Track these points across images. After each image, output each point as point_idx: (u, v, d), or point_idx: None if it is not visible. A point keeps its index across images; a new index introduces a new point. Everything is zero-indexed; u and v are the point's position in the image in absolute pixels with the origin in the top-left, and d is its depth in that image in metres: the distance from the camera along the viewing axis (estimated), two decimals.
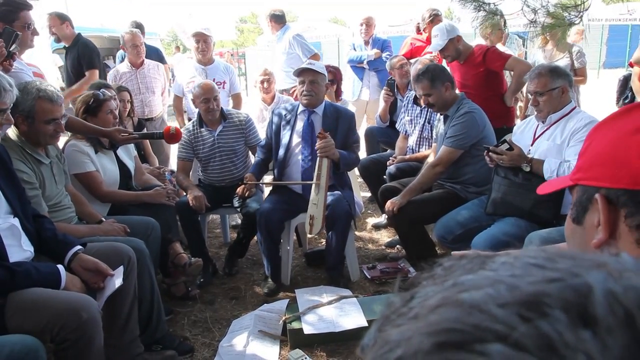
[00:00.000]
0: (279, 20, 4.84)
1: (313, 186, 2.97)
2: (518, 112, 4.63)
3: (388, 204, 3.00)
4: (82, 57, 4.29)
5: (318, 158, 2.97)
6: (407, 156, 3.74)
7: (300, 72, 3.14)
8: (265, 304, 2.89)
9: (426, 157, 3.45)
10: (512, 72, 3.86)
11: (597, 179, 0.67)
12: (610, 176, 0.65)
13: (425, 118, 3.70)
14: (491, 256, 0.30)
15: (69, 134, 2.98)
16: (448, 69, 4.14)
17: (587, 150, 0.72)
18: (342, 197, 3.07)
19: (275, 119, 3.29)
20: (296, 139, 3.19)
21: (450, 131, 2.96)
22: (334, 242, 3.10)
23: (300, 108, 3.21)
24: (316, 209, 2.93)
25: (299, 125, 3.20)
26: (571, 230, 0.74)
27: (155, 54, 5.22)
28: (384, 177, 3.62)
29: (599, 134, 0.71)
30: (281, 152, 3.21)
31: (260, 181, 3.40)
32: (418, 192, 3.01)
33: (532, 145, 2.71)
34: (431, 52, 4.79)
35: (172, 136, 2.98)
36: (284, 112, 3.28)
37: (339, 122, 3.15)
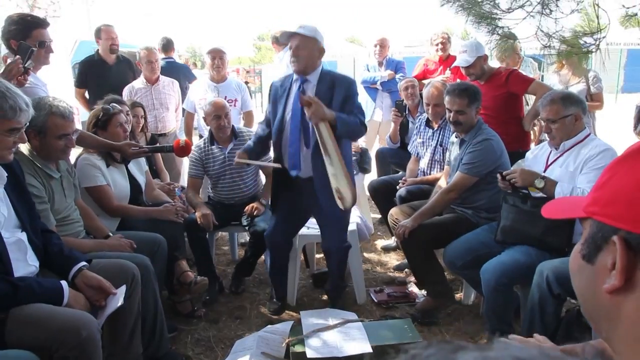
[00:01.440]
0: (278, 41, 4.92)
1: (324, 159, 2.68)
2: (532, 136, 4.60)
3: (398, 227, 2.97)
4: None
5: (315, 127, 2.70)
6: (418, 178, 3.70)
7: (287, 38, 2.88)
8: (270, 325, 2.85)
9: (437, 179, 3.42)
10: (527, 95, 3.84)
11: (617, 218, 0.61)
12: (633, 219, 0.59)
13: (437, 140, 3.67)
14: (458, 349, 0.28)
15: (80, 148, 3.02)
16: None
17: (608, 184, 0.65)
18: (339, 227, 2.97)
19: (273, 91, 3.02)
20: (289, 109, 2.90)
21: (467, 157, 2.92)
22: (332, 270, 3.11)
23: (295, 76, 2.92)
24: (336, 180, 2.67)
25: (293, 95, 2.91)
26: (579, 266, 0.69)
27: (183, 72, 5.30)
28: (394, 199, 3.60)
29: (623, 168, 0.64)
30: (275, 125, 2.92)
31: (252, 161, 3.03)
32: (429, 216, 2.97)
33: (544, 171, 2.67)
34: (445, 74, 4.81)
35: (182, 149, 2.99)
36: (279, 83, 3.00)
37: (335, 91, 2.82)
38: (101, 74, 4.48)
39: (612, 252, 0.61)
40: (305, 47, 2.78)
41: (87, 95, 4.62)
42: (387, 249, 4.07)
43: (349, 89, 2.84)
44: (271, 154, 3.14)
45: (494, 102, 3.58)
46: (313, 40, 2.81)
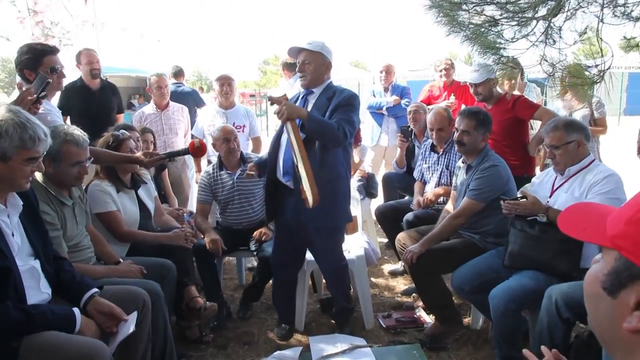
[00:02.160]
0: (290, 68, 5.03)
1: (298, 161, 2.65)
2: (538, 161, 4.63)
3: (406, 252, 2.98)
4: None
5: (285, 126, 2.74)
6: (430, 194, 3.67)
7: (295, 54, 2.91)
8: (278, 351, 2.84)
9: (445, 194, 3.45)
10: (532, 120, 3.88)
11: None
12: None
13: (444, 164, 3.71)
14: None
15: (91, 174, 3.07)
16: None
17: None
18: (331, 245, 2.98)
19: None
20: None
21: (474, 183, 2.94)
22: (334, 292, 3.16)
23: (303, 90, 3.00)
24: (301, 179, 2.61)
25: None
26: (597, 294, 0.68)
27: (193, 97, 5.39)
28: (401, 223, 3.61)
29: None
30: (275, 133, 2.98)
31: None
32: (437, 241, 2.98)
33: (550, 197, 2.69)
34: (450, 100, 4.87)
35: (198, 150, 3.02)
36: (294, 98, 3.08)
37: (332, 100, 2.82)
38: (83, 100, 4.27)
39: (636, 293, 0.61)
40: (311, 62, 2.84)
41: (68, 121, 4.21)
42: (394, 274, 4.06)
43: (346, 100, 2.80)
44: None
45: (500, 127, 3.62)
46: (320, 56, 2.85)
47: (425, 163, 3.85)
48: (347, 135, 2.74)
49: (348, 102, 2.80)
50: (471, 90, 3.82)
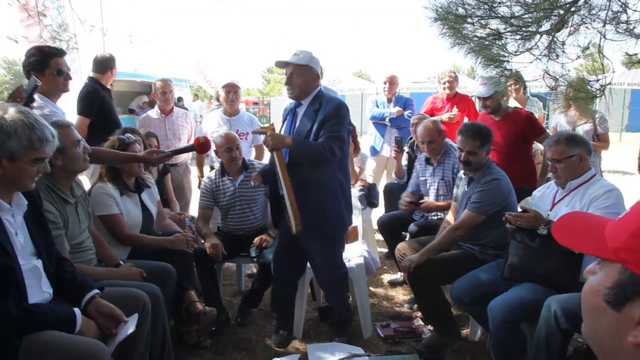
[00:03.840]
0: None
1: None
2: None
3: (405, 261, 2.99)
4: None
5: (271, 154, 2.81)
6: (433, 204, 3.68)
7: (283, 66, 2.92)
8: (276, 358, 2.84)
9: (447, 207, 3.47)
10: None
11: None
12: None
13: (439, 176, 3.69)
14: None
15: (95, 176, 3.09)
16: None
17: None
18: (325, 260, 2.99)
19: (283, 114, 3.17)
20: (284, 132, 2.97)
21: (476, 196, 2.95)
22: (332, 300, 3.18)
23: (292, 102, 3.02)
24: (285, 206, 2.76)
25: (288, 119, 3.03)
26: (598, 307, 0.67)
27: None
28: (403, 233, 3.62)
29: None
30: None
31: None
32: (436, 252, 2.99)
33: (550, 210, 2.70)
34: (453, 112, 4.89)
35: (202, 145, 3.03)
36: (287, 106, 3.14)
37: (319, 113, 2.82)
38: (108, 103, 4.20)
39: None
40: (299, 75, 2.85)
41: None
42: (393, 284, 4.07)
43: (332, 111, 2.79)
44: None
45: (505, 140, 3.65)
46: (306, 68, 2.84)
47: (422, 176, 3.84)
48: (335, 152, 2.75)
49: (335, 114, 2.79)
50: (479, 104, 3.85)
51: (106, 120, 4.00)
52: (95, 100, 4.09)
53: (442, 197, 3.72)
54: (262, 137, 4.68)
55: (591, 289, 0.69)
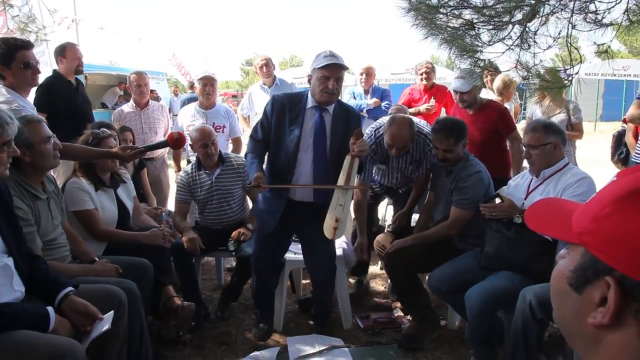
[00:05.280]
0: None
1: (339, 190, 2.72)
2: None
3: (393, 245, 3.03)
4: None
5: (348, 158, 2.70)
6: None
7: (325, 67, 2.68)
8: (256, 351, 2.85)
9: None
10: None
11: (615, 259, 0.60)
12: (635, 265, 0.58)
13: (397, 166, 3.46)
14: None
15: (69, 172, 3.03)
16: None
17: (609, 220, 0.62)
18: (326, 250, 3.01)
19: (277, 108, 2.83)
20: (305, 139, 2.80)
21: (461, 192, 2.94)
22: (318, 295, 3.14)
23: (310, 103, 2.82)
24: (342, 211, 2.69)
25: (308, 123, 2.81)
26: (562, 290, 0.69)
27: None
28: (380, 224, 3.62)
29: (629, 208, 0.61)
30: (286, 152, 2.81)
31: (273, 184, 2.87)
32: (422, 242, 3.02)
33: (525, 199, 2.74)
34: (430, 103, 4.91)
35: (177, 141, 3.00)
36: (287, 103, 2.84)
37: (350, 123, 2.83)
38: (68, 96, 3.92)
39: (601, 289, 0.61)
40: (343, 79, 2.79)
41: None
42: (373, 276, 4.09)
43: (358, 124, 2.87)
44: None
45: (480, 134, 3.66)
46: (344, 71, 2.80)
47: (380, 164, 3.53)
48: None
49: (361, 127, 2.88)
50: (456, 98, 3.80)
51: (69, 113, 3.79)
52: (47, 94, 3.82)
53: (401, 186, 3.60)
54: (240, 128, 4.70)
55: (557, 273, 0.71)
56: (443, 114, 5.03)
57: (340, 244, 3.40)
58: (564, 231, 0.70)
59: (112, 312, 2.07)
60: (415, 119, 3.50)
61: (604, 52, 2.19)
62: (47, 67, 5.49)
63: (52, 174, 2.86)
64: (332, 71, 2.69)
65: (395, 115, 3.23)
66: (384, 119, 3.38)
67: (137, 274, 2.65)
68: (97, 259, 2.65)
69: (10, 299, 1.90)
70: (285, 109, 2.82)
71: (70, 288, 2.08)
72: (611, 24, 2.13)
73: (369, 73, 5.22)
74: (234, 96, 22.38)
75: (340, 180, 2.71)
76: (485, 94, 4.72)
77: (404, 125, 3.11)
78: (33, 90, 3.18)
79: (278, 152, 2.84)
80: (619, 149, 4.37)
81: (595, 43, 2.14)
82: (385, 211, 4.65)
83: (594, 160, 6.52)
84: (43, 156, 2.38)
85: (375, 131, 3.36)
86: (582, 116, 4.56)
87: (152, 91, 11.64)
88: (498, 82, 4.69)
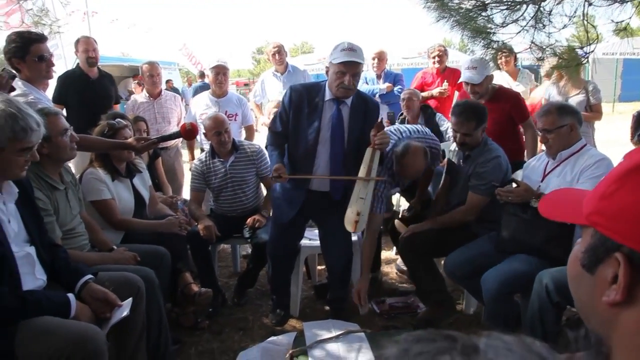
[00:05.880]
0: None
1: (360, 181, 2.73)
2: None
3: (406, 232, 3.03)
4: None
5: (369, 150, 2.71)
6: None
7: (342, 63, 2.67)
8: (273, 336, 2.87)
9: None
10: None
11: (624, 235, 0.60)
12: None
13: None
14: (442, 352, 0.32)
15: (86, 163, 3.07)
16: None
17: (615, 196, 0.62)
18: (343, 237, 2.98)
19: (295, 99, 2.81)
20: (323, 132, 2.81)
21: (478, 178, 2.90)
22: (335, 281, 3.13)
23: (328, 96, 2.80)
24: (363, 204, 2.70)
25: (326, 115, 2.81)
26: (577, 273, 0.69)
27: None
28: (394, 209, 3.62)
29: (633, 182, 0.61)
30: (305, 144, 2.82)
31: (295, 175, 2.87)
32: (439, 226, 3.01)
33: (542, 181, 2.71)
34: (443, 86, 4.85)
35: (189, 132, 3.02)
36: (305, 94, 2.81)
37: (367, 116, 2.83)
38: (82, 89, 4.07)
39: (613, 266, 0.61)
40: (360, 75, 2.79)
41: (64, 112, 3.93)
42: (388, 261, 4.09)
43: (377, 115, 2.89)
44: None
45: (494, 122, 3.56)
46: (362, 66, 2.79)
47: None
48: None
49: (380, 118, 2.88)
50: (468, 90, 3.58)
51: (83, 106, 3.92)
52: (65, 86, 4.03)
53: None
54: (252, 117, 4.70)
55: (572, 257, 0.71)
56: (456, 97, 4.96)
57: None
58: (575, 215, 0.70)
59: (130, 299, 2.11)
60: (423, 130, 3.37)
61: (623, 30, 2.13)
62: (60, 60, 5.54)
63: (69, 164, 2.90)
64: (349, 67, 2.67)
65: (410, 144, 2.96)
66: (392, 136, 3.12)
67: (155, 261, 2.69)
68: (115, 247, 2.69)
69: (33, 286, 1.95)
70: (303, 100, 2.81)
71: (90, 276, 2.12)
72: (630, 0, 2.08)
73: (381, 58, 5.18)
74: (246, 84, 22.36)
75: (362, 173, 2.72)
76: (502, 76, 4.64)
77: (418, 156, 2.94)
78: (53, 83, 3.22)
79: (297, 143, 2.85)
80: (639, 130, 4.28)
81: (613, 21, 2.09)
82: (400, 197, 4.64)
83: (613, 141, 6.40)
84: (60, 148, 2.41)
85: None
86: (601, 97, 4.48)
87: (168, 81, 11.74)
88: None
